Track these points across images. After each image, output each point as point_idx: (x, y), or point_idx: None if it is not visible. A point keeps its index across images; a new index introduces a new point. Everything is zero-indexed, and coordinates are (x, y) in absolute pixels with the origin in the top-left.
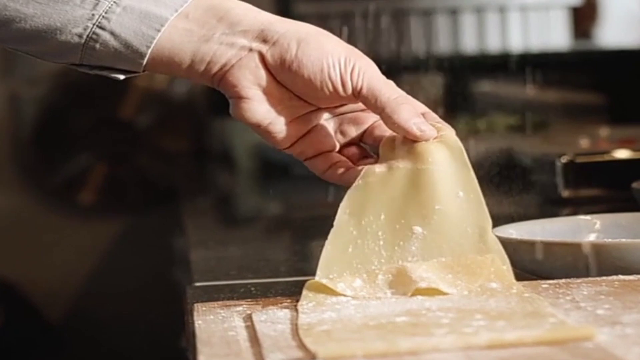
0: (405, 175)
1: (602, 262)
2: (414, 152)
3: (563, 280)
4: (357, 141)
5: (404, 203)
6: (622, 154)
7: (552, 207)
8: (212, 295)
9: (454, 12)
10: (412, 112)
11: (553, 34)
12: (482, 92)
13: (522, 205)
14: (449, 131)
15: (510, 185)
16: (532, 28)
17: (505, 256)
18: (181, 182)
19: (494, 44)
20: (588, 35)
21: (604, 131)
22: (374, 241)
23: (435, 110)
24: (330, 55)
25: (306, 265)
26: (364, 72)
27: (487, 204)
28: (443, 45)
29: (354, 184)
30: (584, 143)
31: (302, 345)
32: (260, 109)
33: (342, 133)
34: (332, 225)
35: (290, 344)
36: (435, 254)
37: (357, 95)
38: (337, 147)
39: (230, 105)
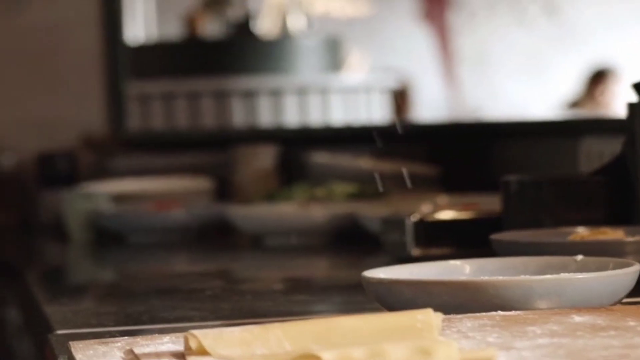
0: None
1: (479, 300)
2: None
3: (444, 316)
4: None
5: None
6: (470, 214)
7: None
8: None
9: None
10: None
11: (375, 112)
12: (317, 162)
13: (371, 265)
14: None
15: (357, 246)
16: (353, 107)
17: None
18: (11, 254)
19: (320, 120)
20: (405, 113)
21: (442, 199)
22: None
23: (271, 179)
24: None
25: (171, 313)
26: None
27: (336, 266)
28: (279, 119)
29: None
30: (427, 208)
31: None
32: None
33: None
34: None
35: None
36: None
37: None
38: None
39: None
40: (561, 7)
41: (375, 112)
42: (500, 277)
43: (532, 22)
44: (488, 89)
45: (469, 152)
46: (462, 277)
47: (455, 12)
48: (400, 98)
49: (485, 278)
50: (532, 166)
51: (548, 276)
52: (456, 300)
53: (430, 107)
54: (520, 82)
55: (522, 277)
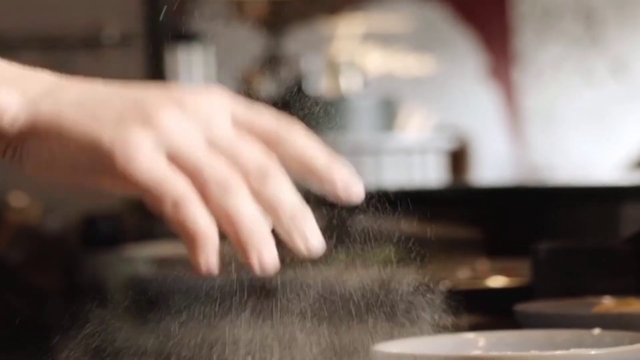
0: None
1: None
2: None
3: None
4: None
5: None
6: (501, 281)
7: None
8: None
9: (354, 153)
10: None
11: (430, 174)
12: (359, 226)
13: (402, 334)
14: None
15: (389, 314)
16: (407, 168)
17: None
18: (52, 317)
19: (370, 182)
20: (463, 175)
21: (482, 264)
22: None
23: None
24: None
25: None
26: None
27: (365, 334)
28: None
29: None
30: (463, 274)
31: None
32: None
33: None
34: None
35: None
36: None
37: None
38: None
39: None
40: (629, 66)
41: (430, 173)
42: (509, 353)
43: (599, 80)
44: (555, 148)
45: (517, 215)
46: (474, 352)
47: (521, 70)
48: (458, 158)
49: (492, 353)
50: (580, 231)
51: (557, 352)
52: None
53: (495, 166)
54: (588, 141)
55: (530, 352)
